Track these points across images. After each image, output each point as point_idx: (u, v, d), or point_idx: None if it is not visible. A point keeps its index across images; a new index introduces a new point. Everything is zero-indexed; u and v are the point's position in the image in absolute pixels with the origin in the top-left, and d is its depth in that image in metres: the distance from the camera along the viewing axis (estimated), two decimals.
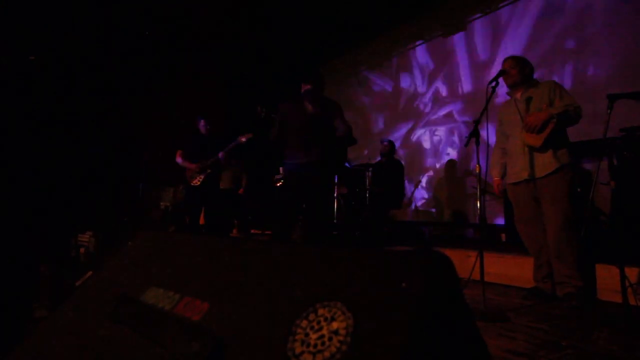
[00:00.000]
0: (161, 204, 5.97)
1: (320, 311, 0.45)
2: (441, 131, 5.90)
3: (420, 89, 6.33)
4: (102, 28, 6.00)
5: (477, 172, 2.29)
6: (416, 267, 0.43)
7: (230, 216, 5.68)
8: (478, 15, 5.55)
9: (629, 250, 2.45)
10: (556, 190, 2.33)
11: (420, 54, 6.42)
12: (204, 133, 4.08)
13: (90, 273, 2.29)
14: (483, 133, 2.30)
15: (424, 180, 6.08)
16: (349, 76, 7.82)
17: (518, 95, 2.59)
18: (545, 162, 2.37)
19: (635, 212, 2.56)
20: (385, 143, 5.16)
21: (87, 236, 3.87)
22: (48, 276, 2.39)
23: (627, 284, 1.99)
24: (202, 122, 4.09)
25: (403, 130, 6.53)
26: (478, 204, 2.30)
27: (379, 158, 5.32)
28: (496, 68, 4.67)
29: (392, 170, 5.02)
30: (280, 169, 5.54)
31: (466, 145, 2.33)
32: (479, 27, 5.55)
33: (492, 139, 4.97)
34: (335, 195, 4.60)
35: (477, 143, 2.30)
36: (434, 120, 6.03)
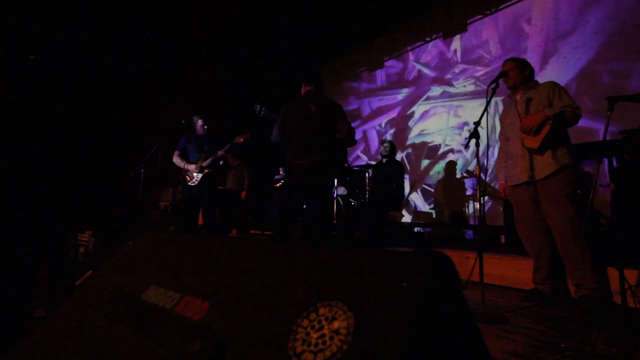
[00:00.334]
0: (161, 204, 5.97)
1: (321, 310, 0.45)
2: (441, 131, 5.91)
3: (421, 89, 6.33)
4: (101, 28, 6.00)
5: (477, 173, 2.29)
6: (417, 267, 0.43)
7: (230, 216, 5.67)
8: (478, 16, 5.56)
9: (628, 252, 2.44)
10: (557, 192, 2.30)
11: (421, 54, 6.43)
12: (201, 133, 4.08)
13: (89, 272, 2.29)
14: (483, 134, 2.30)
15: (423, 181, 6.08)
16: (349, 77, 7.83)
17: (518, 97, 2.58)
18: (545, 164, 2.36)
19: (635, 214, 2.56)
20: (386, 144, 5.16)
21: (87, 236, 3.87)
22: (47, 276, 2.39)
23: (627, 286, 1.99)
24: (199, 122, 4.08)
25: (403, 130, 6.53)
26: (477, 206, 2.29)
27: (379, 158, 5.33)
28: (497, 68, 4.69)
29: (393, 171, 5.02)
30: (281, 169, 5.55)
31: (466, 146, 2.33)
32: (479, 27, 5.56)
33: (492, 140, 5.01)
34: (335, 196, 4.60)
35: (477, 144, 2.30)
36: (434, 120, 6.04)
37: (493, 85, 2.33)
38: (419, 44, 6.44)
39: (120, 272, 0.86)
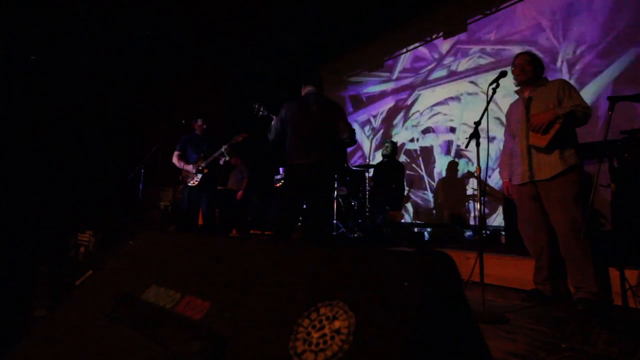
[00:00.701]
0: (161, 204, 5.97)
1: (322, 310, 0.45)
2: (441, 132, 5.90)
3: (420, 89, 6.33)
4: (101, 28, 6.00)
5: (477, 173, 2.28)
6: (418, 267, 0.43)
7: (230, 216, 5.68)
8: (478, 16, 5.56)
9: (628, 252, 2.44)
10: (563, 193, 2.26)
11: (420, 54, 6.43)
12: (199, 133, 4.07)
13: (90, 272, 2.29)
14: (483, 134, 2.29)
15: (424, 182, 6.08)
16: (349, 77, 7.83)
17: (526, 93, 2.52)
18: (551, 164, 2.31)
19: (635, 214, 2.56)
20: (387, 144, 5.17)
21: (87, 235, 3.87)
22: (48, 275, 2.39)
23: (627, 286, 1.99)
24: (198, 122, 4.06)
25: (403, 131, 6.53)
26: (478, 206, 2.28)
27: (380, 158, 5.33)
28: (497, 69, 4.68)
29: (393, 171, 5.03)
30: (281, 169, 5.54)
31: (466, 146, 2.32)
32: (479, 27, 5.56)
33: (492, 140, 5.00)
34: (335, 195, 4.60)
35: (478, 144, 2.29)
36: (434, 120, 6.04)
37: (493, 85, 2.31)
38: (419, 44, 6.44)
39: (121, 271, 0.86)
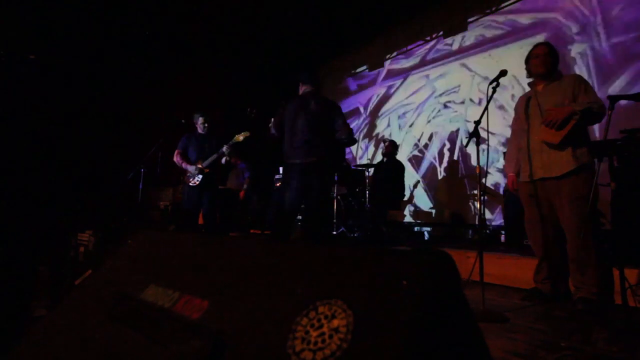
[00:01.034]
0: (160, 203, 5.97)
1: (321, 309, 0.45)
2: (441, 131, 5.90)
3: (420, 89, 6.33)
4: (101, 28, 6.00)
5: (477, 172, 2.27)
6: (417, 266, 0.43)
7: (230, 216, 5.68)
8: (478, 15, 5.56)
9: (628, 251, 2.43)
10: (574, 191, 2.18)
11: (420, 54, 6.42)
12: (201, 132, 4.04)
13: (89, 272, 2.29)
14: (483, 134, 2.28)
15: (424, 181, 6.08)
16: (349, 77, 7.84)
17: (540, 87, 2.43)
18: (563, 161, 2.23)
19: (635, 213, 2.55)
20: (387, 143, 5.16)
21: (87, 235, 3.86)
22: (47, 275, 2.39)
23: (627, 285, 1.99)
24: (200, 120, 4.02)
25: (403, 130, 6.53)
26: (478, 205, 2.26)
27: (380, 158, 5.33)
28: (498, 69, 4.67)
29: (393, 171, 5.02)
30: (281, 169, 5.55)
31: (466, 145, 2.30)
32: (479, 28, 5.55)
33: (492, 140, 5.00)
34: (335, 195, 4.60)
35: (478, 143, 2.28)
36: (434, 120, 6.03)
37: (493, 84, 2.29)
38: (419, 43, 6.43)
39: (120, 271, 0.86)
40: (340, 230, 4.64)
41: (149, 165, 4.83)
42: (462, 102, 5.64)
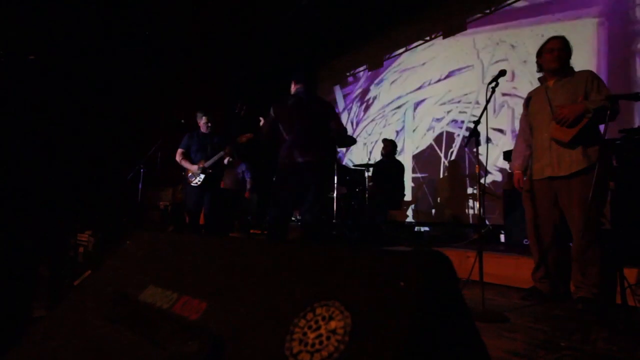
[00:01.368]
0: (160, 203, 5.97)
1: (318, 310, 0.45)
2: (441, 131, 5.90)
3: (420, 89, 6.33)
4: (101, 28, 6.00)
5: (477, 172, 2.27)
6: (415, 267, 0.43)
7: (230, 216, 5.68)
8: (478, 16, 5.55)
9: (628, 251, 2.43)
10: (584, 191, 2.13)
11: (420, 54, 6.42)
12: (204, 131, 4.00)
13: (88, 272, 2.29)
14: (483, 133, 2.28)
15: (423, 181, 6.09)
16: (349, 77, 7.84)
17: (551, 83, 2.37)
18: (573, 160, 2.18)
19: (634, 213, 2.55)
20: (387, 143, 5.16)
21: (86, 236, 3.86)
22: (47, 276, 2.39)
23: (626, 284, 1.99)
24: (203, 119, 3.97)
25: (402, 130, 6.53)
26: (477, 205, 2.25)
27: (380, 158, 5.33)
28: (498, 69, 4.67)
29: (393, 170, 5.03)
30: None
31: (466, 145, 2.30)
32: (478, 28, 5.55)
33: (492, 140, 5.00)
34: (335, 195, 4.60)
35: (477, 143, 2.27)
36: (434, 120, 6.03)
37: (493, 84, 2.27)
38: (418, 43, 6.43)
39: (118, 272, 0.86)
40: (340, 230, 4.64)
41: (149, 165, 4.83)
42: (469, 103, 5.64)
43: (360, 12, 6.44)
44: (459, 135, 5.60)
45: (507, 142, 4.79)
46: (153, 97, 6.85)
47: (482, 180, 2.28)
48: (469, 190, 5.37)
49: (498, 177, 5.01)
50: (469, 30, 5.65)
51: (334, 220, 4.57)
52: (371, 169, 5.19)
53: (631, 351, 1.52)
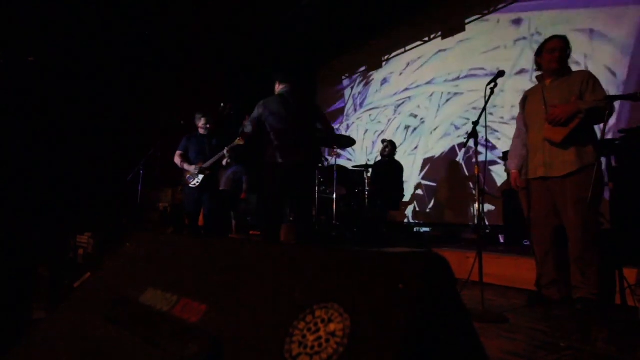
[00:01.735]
0: (160, 205, 5.97)
1: (317, 313, 0.45)
2: (441, 131, 5.91)
3: (420, 89, 6.33)
4: (101, 28, 6.00)
5: (476, 173, 2.27)
6: (413, 269, 0.43)
7: (229, 218, 5.67)
8: (477, 16, 5.56)
9: (627, 251, 2.43)
10: (577, 193, 2.12)
11: (420, 54, 6.43)
12: (203, 132, 4.01)
13: (88, 274, 2.29)
14: (482, 134, 2.28)
15: (423, 181, 6.09)
16: (348, 77, 7.84)
17: (548, 82, 2.36)
18: (566, 160, 2.16)
19: (633, 213, 2.56)
20: (386, 143, 5.16)
21: (86, 237, 3.86)
22: (46, 277, 2.39)
23: (626, 285, 1.99)
24: (202, 121, 3.97)
25: (402, 130, 6.53)
26: (477, 205, 2.25)
27: (379, 158, 5.33)
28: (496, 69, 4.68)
29: (392, 171, 5.02)
30: None
31: (465, 145, 2.29)
32: (478, 28, 5.56)
33: (492, 139, 5.01)
34: (334, 196, 4.60)
35: (476, 144, 2.27)
36: (434, 120, 6.04)
37: (492, 85, 2.26)
38: (418, 43, 6.44)
39: (118, 274, 0.86)
40: (340, 231, 4.63)
41: (148, 166, 4.82)
42: (470, 104, 5.65)
43: (360, 12, 6.44)
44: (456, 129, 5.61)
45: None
46: (153, 99, 6.85)
47: (481, 181, 2.28)
48: (469, 191, 5.37)
49: (499, 177, 5.01)
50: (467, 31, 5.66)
51: (333, 222, 4.56)
52: (370, 169, 5.18)
53: (631, 352, 1.52)
